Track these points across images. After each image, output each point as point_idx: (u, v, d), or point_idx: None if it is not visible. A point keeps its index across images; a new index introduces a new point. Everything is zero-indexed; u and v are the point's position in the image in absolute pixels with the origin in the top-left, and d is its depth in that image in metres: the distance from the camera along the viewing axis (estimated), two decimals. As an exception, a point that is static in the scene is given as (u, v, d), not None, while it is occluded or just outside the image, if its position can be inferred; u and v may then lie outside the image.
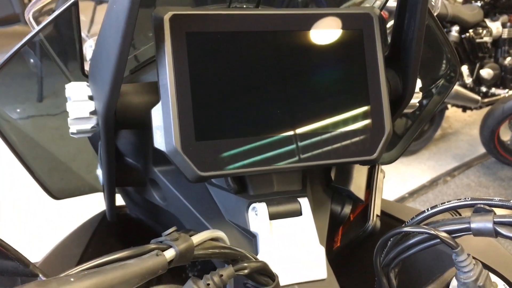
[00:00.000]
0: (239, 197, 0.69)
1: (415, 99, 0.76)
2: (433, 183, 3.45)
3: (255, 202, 0.68)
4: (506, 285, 0.59)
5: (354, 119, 0.68)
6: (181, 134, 0.60)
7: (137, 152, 0.78)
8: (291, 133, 0.65)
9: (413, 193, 3.30)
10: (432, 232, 0.55)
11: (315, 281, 0.66)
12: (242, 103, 0.64)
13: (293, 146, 0.65)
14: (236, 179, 0.69)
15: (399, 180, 3.42)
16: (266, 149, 0.64)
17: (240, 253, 0.53)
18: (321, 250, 0.67)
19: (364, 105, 0.68)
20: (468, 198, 0.57)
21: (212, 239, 0.52)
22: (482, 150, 3.75)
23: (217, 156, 0.62)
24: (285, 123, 0.65)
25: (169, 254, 0.46)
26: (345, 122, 0.67)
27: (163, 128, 0.60)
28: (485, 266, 0.62)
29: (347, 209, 0.78)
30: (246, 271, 0.50)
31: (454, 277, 0.57)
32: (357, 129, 0.68)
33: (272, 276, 0.55)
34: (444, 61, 0.96)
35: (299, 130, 0.65)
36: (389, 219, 0.90)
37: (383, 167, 0.89)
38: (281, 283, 0.64)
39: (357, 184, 0.79)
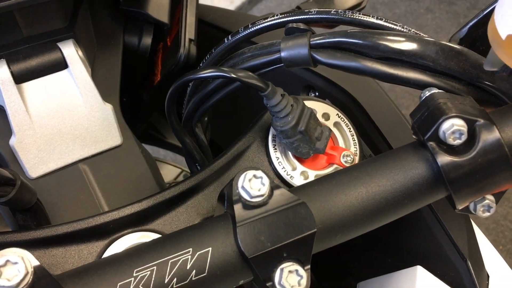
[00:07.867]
0: None
1: None
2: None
3: None
4: (340, 114, 0.47)
5: None
6: None
7: None
8: None
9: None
10: (231, 75, 0.38)
11: (106, 152, 0.49)
12: None
13: None
14: None
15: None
16: None
17: None
18: (107, 110, 0.49)
19: None
20: (277, 15, 0.40)
21: None
22: None
23: None
24: None
25: None
26: None
27: None
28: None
29: (147, 39, 0.58)
30: None
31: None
32: None
33: (11, 181, 0.37)
34: None
35: None
36: (219, 33, 0.71)
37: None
38: (59, 165, 0.47)
39: (157, 2, 0.58)
